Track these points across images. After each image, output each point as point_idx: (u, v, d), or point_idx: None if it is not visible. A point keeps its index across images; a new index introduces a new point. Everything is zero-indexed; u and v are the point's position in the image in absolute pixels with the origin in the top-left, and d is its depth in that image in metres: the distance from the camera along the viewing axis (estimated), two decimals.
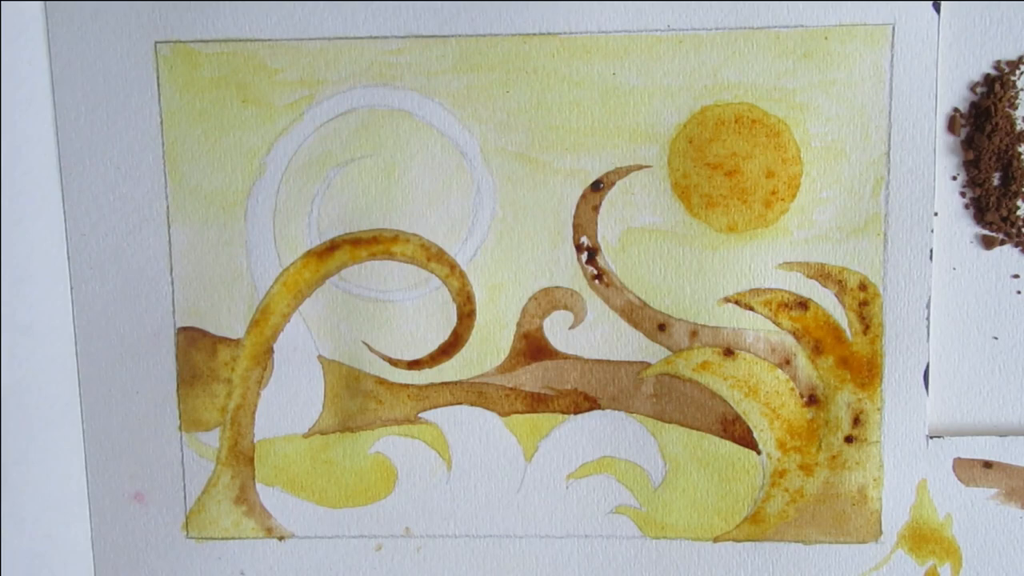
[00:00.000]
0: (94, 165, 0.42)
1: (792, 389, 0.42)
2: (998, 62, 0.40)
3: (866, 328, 0.41)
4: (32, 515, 0.44)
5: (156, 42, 0.41)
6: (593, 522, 0.43)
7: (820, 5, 0.40)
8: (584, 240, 0.42)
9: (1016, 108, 0.40)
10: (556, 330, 0.42)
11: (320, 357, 0.43)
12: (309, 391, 0.43)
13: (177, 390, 0.43)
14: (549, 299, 0.42)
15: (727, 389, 0.42)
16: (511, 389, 0.42)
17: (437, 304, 0.42)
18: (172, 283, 0.42)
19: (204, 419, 0.43)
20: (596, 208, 0.41)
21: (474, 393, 0.43)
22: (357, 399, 0.43)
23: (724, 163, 0.41)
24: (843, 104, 0.40)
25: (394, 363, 0.43)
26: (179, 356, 0.43)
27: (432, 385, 0.43)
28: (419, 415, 0.43)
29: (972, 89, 0.40)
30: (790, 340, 0.41)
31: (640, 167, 0.41)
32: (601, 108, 0.41)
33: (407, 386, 0.43)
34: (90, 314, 0.43)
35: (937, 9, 0.40)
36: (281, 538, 0.44)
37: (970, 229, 0.41)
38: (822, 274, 0.41)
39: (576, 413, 0.43)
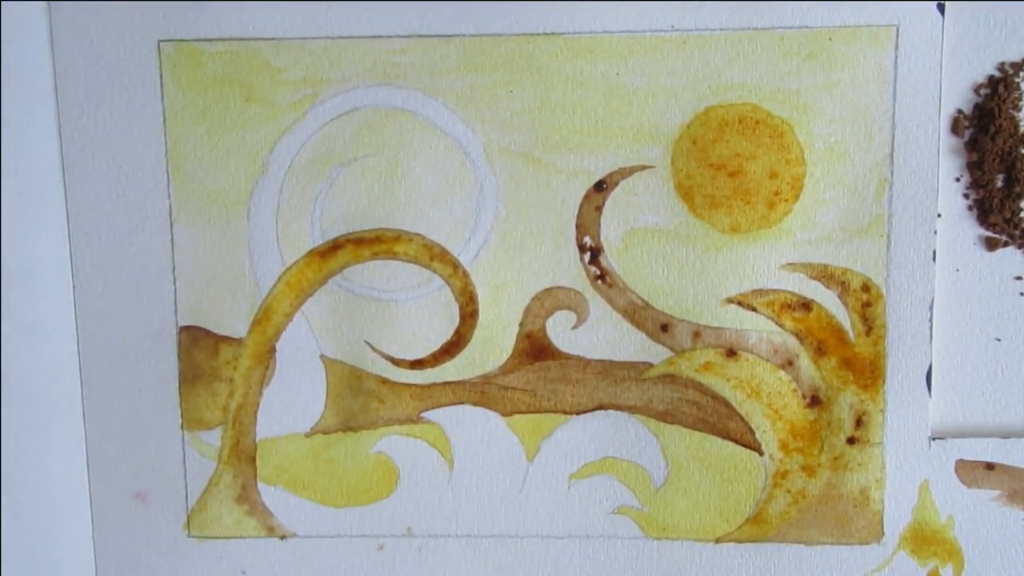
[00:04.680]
0: (97, 164, 0.42)
1: (795, 390, 0.42)
2: (1002, 63, 0.40)
3: (869, 329, 0.41)
4: (33, 515, 0.44)
5: (159, 41, 0.41)
6: (595, 522, 0.43)
7: (824, 6, 0.40)
8: (587, 240, 0.42)
9: (1020, 110, 0.40)
10: (559, 330, 0.42)
11: (322, 356, 0.43)
12: (311, 390, 0.43)
13: (179, 389, 0.43)
14: (552, 299, 0.42)
15: (730, 390, 0.42)
16: (513, 389, 0.42)
17: (440, 304, 0.42)
18: (174, 282, 0.42)
19: (206, 418, 0.43)
20: (599, 208, 0.41)
21: (476, 393, 0.43)
22: (359, 398, 0.43)
23: (727, 164, 0.41)
24: (847, 105, 0.40)
25: (396, 362, 0.43)
26: (181, 355, 0.43)
27: (434, 385, 0.43)
28: (421, 415, 0.43)
29: (976, 91, 0.40)
30: (793, 341, 0.41)
31: (643, 167, 0.41)
32: (605, 108, 0.41)
33: (409, 386, 0.43)
34: (92, 313, 0.43)
35: (941, 10, 0.40)
36: (283, 537, 0.44)
37: (973, 231, 0.41)
38: (825, 275, 0.41)
39: (578, 413, 0.43)
